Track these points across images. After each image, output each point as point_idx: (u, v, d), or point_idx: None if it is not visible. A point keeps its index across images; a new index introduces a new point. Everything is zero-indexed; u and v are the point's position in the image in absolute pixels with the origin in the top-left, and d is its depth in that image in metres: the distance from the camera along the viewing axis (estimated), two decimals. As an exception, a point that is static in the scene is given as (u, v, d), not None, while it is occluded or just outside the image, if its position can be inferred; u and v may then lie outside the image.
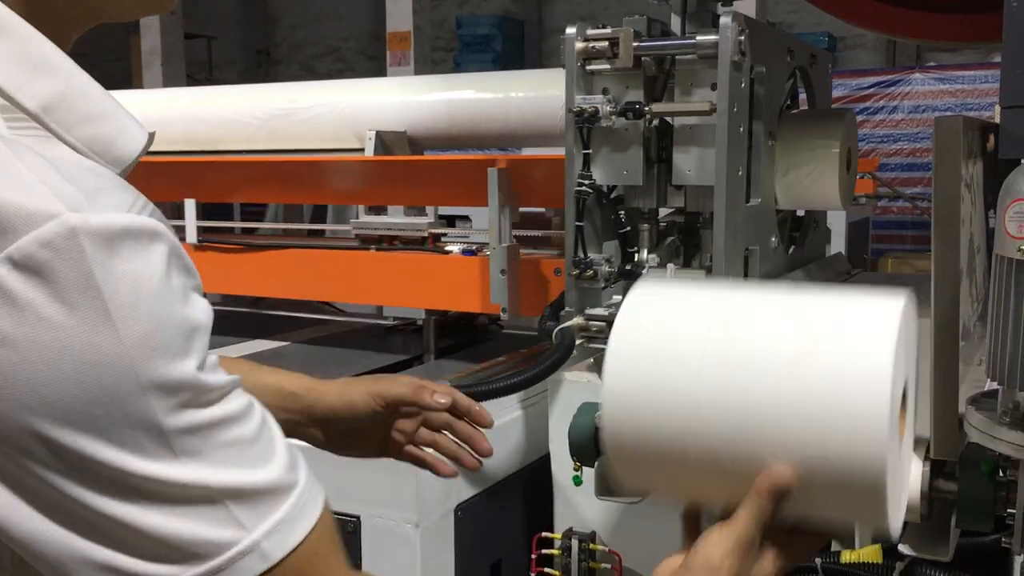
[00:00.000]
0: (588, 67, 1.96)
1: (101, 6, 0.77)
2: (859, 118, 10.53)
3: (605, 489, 1.40)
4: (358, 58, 15.10)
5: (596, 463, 1.38)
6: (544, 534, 2.14)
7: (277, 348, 3.23)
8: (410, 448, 1.39)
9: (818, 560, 1.85)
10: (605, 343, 2.03)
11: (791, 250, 2.36)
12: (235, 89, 3.74)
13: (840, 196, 2.19)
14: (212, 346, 0.71)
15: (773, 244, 2.16)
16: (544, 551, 2.12)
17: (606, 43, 1.92)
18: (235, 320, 3.73)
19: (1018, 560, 1.15)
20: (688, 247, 2.13)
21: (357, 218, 3.29)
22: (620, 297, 2.15)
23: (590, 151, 1.97)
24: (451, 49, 13.45)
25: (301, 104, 3.36)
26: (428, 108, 3.23)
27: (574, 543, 2.11)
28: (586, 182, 1.97)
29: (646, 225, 2.04)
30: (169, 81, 12.92)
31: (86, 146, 0.70)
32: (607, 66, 1.94)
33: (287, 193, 3.56)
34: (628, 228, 2.03)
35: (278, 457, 0.73)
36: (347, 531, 2.05)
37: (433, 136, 3.27)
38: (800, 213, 2.44)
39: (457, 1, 14.04)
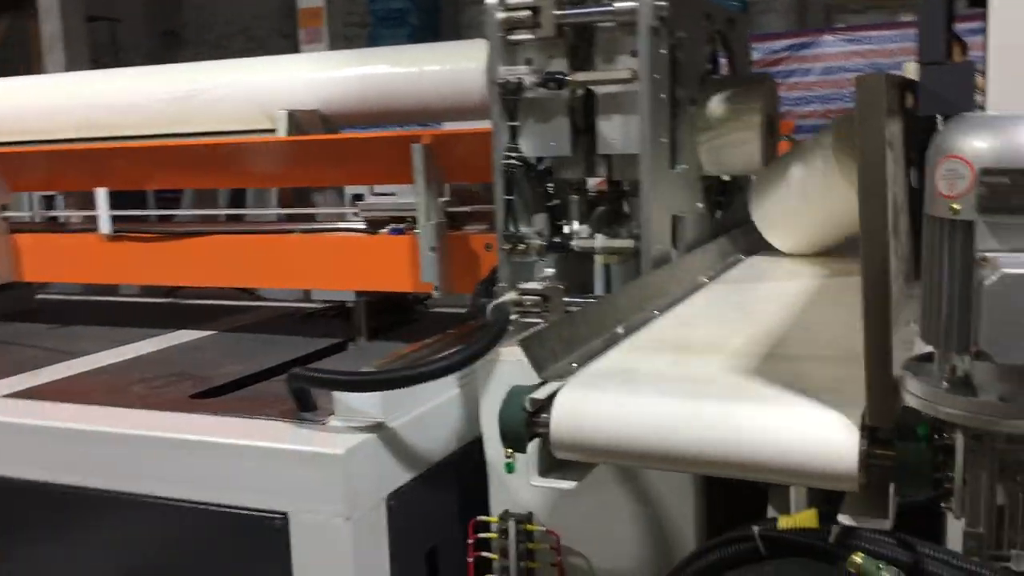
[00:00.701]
0: (510, 37, 1.94)
1: None
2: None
3: (542, 473, 1.36)
4: (271, 36, 14.73)
5: (529, 448, 1.33)
6: (480, 518, 2.10)
7: (201, 338, 3.11)
8: None
9: (755, 527, 1.84)
10: (540, 318, 2.01)
11: (717, 215, 2.34)
12: (136, 71, 3.58)
13: (762, 160, 2.19)
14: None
15: (700, 210, 2.14)
16: (481, 535, 2.08)
17: (528, 12, 1.90)
18: (155, 311, 3.58)
19: (954, 528, 1.14)
20: (618, 216, 2.10)
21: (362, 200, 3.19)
22: (552, 270, 2.14)
23: (517, 123, 1.95)
24: (365, 25, 13.19)
25: (206, 84, 3.23)
26: (341, 85, 3.14)
27: (511, 525, 2.07)
28: (514, 155, 1.95)
29: (575, 196, 2.04)
30: (72, 66, 12.43)
31: None
32: (530, 36, 1.92)
33: (201, 178, 3.42)
34: (557, 200, 2.01)
35: None
36: (274, 528, 1.97)
37: (347, 113, 3.18)
38: (726, 178, 2.43)
39: (370, -25, 13.77)
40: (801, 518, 1.85)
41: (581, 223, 2.05)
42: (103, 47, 14.25)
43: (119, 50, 14.66)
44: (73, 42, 12.77)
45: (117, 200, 3.42)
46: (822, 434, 1.18)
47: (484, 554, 2.08)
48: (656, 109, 1.88)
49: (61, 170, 3.29)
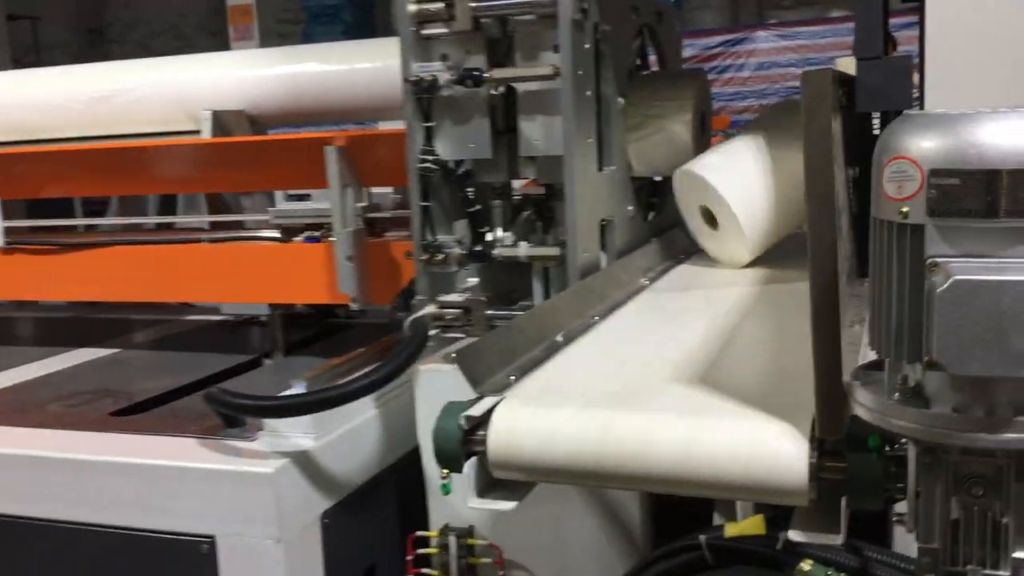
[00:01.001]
0: (424, 31, 1.85)
1: None
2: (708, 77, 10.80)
3: (480, 493, 1.29)
4: (199, 34, 14.48)
5: (466, 467, 1.26)
6: (419, 533, 2.02)
7: (112, 356, 2.93)
8: None
9: (702, 536, 1.80)
10: (462, 332, 1.93)
11: (650, 217, 2.29)
12: (53, 70, 3.42)
13: (693, 156, 2.13)
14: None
15: (630, 213, 2.09)
16: (421, 551, 2.01)
17: (442, 4, 1.81)
18: (61, 327, 3.39)
19: (901, 530, 1.09)
20: (544, 221, 2.03)
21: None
22: (475, 280, 2.04)
23: (432, 124, 1.86)
24: (299, 22, 12.99)
25: (127, 84, 3.09)
26: (270, 83, 3.03)
27: (451, 540, 2.00)
28: (429, 158, 1.86)
29: (498, 201, 1.95)
30: (-9, 66, 12.06)
31: None
32: (444, 30, 1.83)
33: (111, 184, 3.25)
34: (479, 206, 1.94)
35: None
36: (200, 553, 1.87)
37: (276, 114, 3.07)
38: (658, 179, 2.37)
39: (301, -30, 13.57)
40: (748, 525, 1.82)
41: (505, 230, 1.96)
42: (24, 46, 13.84)
43: (41, 49, 14.25)
44: (-8, 41, 12.38)
45: (39, 210, 3.25)
46: (770, 447, 1.13)
47: (424, 571, 2.01)
48: (580, 107, 1.81)
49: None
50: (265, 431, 1.96)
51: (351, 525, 2.05)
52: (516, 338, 1.47)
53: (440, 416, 1.26)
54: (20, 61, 13.02)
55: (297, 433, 1.93)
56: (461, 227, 1.94)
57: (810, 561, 1.67)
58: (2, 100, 3.21)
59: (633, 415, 1.22)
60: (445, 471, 1.28)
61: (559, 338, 1.58)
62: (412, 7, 1.84)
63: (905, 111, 1.02)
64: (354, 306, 2.36)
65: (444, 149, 1.90)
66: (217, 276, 2.70)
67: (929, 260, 0.92)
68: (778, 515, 1.70)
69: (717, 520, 1.89)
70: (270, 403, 1.87)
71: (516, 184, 2.10)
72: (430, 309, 1.90)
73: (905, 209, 0.94)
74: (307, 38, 12.21)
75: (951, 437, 0.94)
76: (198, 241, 2.83)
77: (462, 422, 1.23)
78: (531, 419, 1.25)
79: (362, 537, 2.09)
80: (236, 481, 1.86)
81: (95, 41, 15.31)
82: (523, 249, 1.93)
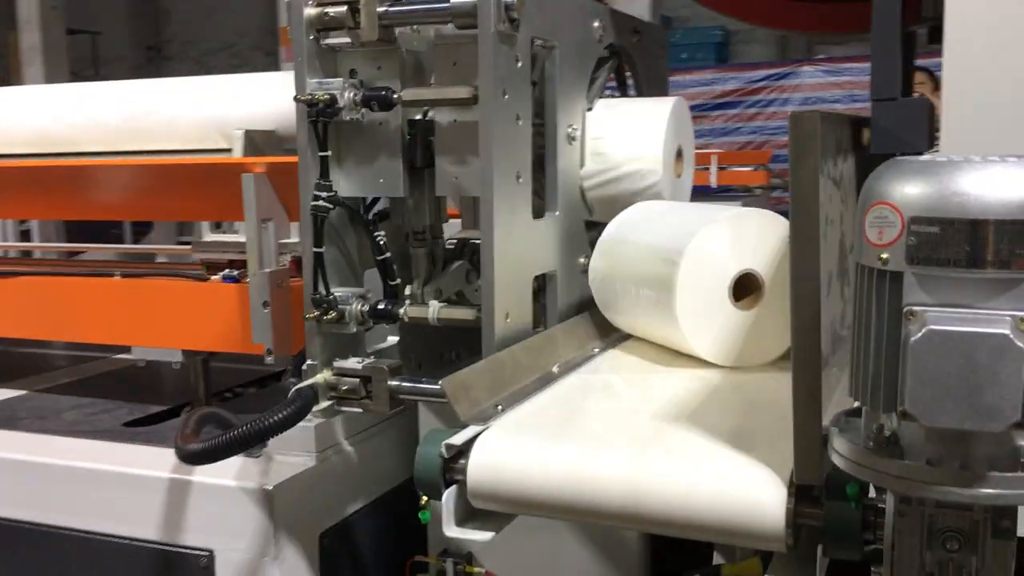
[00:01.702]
0: (326, 42, 1.56)
1: None
2: (752, 110, 10.72)
3: (459, 523, 1.28)
4: (254, 53, 14.75)
5: (445, 496, 1.25)
6: (418, 558, 2.02)
7: (14, 398, 2.56)
8: None
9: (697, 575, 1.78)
10: (360, 406, 1.58)
11: None
12: (92, 86, 3.48)
13: (667, 199, 1.80)
14: None
15: (582, 265, 1.80)
16: (418, 576, 2.00)
17: (344, 8, 1.51)
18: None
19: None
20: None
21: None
22: (394, 339, 1.73)
23: (328, 153, 1.58)
24: (350, 44, 13.18)
25: (163, 102, 3.14)
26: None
27: (449, 566, 1.99)
28: (323, 194, 1.57)
29: (421, 249, 1.67)
30: (51, 78, 12.38)
31: None
32: (347, 40, 1.53)
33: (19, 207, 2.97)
34: (388, 254, 1.64)
35: None
36: (200, 566, 1.88)
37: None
38: None
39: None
40: (745, 566, 1.79)
41: (427, 282, 1.66)
42: (83, 60, 14.20)
43: (101, 64, 14.60)
44: (53, 55, 12.72)
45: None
46: (749, 491, 1.12)
47: (421, 596, 2.00)
48: (507, 140, 1.49)
49: None
50: (269, 448, 1.97)
51: (349, 546, 2.05)
52: (507, 368, 1.46)
53: (422, 443, 1.26)
54: (78, 74, 13.37)
55: (301, 450, 1.94)
56: (371, 279, 1.67)
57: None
58: (44, 113, 3.28)
59: (615, 453, 1.21)
60: (424, 500, 1.28)
61: (555, 369, 1.57)
62: (310, 11, 1.53)
63: (894, 157, 1.01)
64: (268, 360, 1.91)
65: (347, 185, 1.61)
66: (127, 316, 2.33)
67: (906, 308, 0.91)
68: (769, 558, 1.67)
69: (717, 559, 1.87)
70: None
71: (455, 228, 1.79)
72: (324, 376, 1.63)
73: (885, 255, 0.93)
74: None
75: (923, 489, 0.92)
76: (110, 275, 2.45)
77: (443, 450, 1.23)
78: (512, 451, 1.24)
79: (360, 559, 2.09)
80: (235, 497, 1.87)
81: (153, 58, 15.66)
82: (432, 309, 1.62)
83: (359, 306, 1.63)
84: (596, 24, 1.84)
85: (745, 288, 1.61)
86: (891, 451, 0.95)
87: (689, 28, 11.02)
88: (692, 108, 2.08)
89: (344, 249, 1.67)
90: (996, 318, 0.87)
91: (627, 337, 1.81)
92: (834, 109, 9.49)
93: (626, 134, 1.80)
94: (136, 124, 3.21)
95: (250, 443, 1.56)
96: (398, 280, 1.66)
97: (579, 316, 1.81)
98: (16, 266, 3.08)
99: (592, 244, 1.82)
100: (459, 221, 1.94)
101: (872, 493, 1.09)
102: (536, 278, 1.71)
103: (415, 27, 1.61)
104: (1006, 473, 0.90)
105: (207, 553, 1.90)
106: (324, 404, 1.64)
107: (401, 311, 1.63)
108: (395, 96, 1.53)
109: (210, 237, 2.52)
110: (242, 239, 2.22)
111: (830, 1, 3.02)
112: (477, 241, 1.63)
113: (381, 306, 1.64)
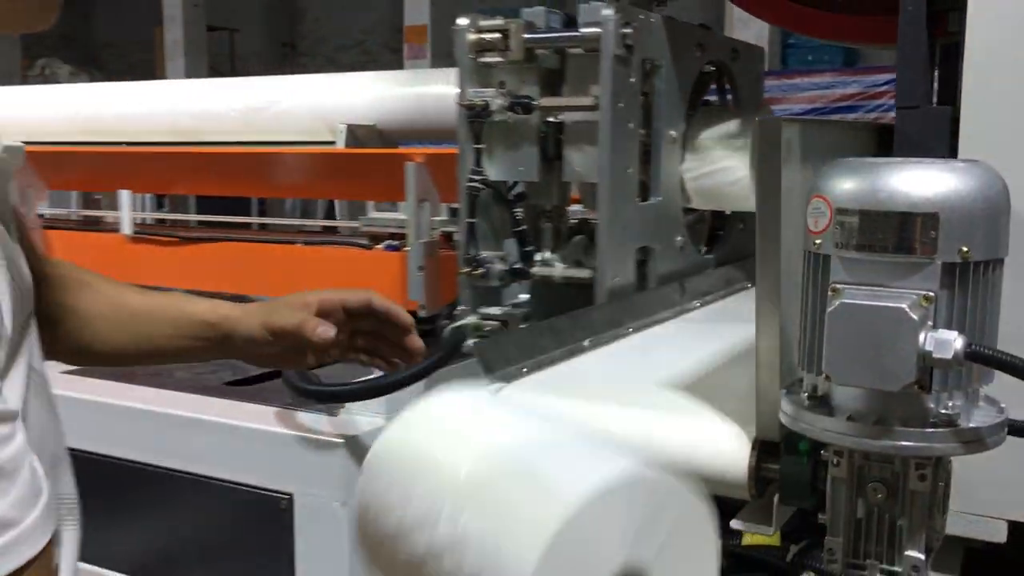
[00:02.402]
0: (482, 60, 1.96)
1: None
2: (873, 115, 10.38)
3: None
4: (382, 51, 15.20)
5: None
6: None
7: None
8: (348, 355, 1.47)
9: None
10: None
11: (708, 249, 2.36)
12: (215, 82, 3.89)
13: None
14: None
15: (679, 243, 2.16)
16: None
17: (498, 35, 1.91)
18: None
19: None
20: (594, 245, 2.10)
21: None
22: (527, 296, 2.10)
23: (482, 146, 1.98)
24: (471, 43, 13.47)
25: (278, 97, 3.49)
26: (398, 102, 3.36)
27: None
28: (477, 178, 1.98)
29: (548, 223, 2.05)
30: (191, 73, 13.13)
31: None
32: (499, 59, 1.93)
33: (227, 185, 3.67)
34: (524, 227, 2.03)
35: (14, 492, 0.74)
36: (280, 508, 2.15)
37: (402, 130, 3.39)
38: (728, 212, 2.45)
39: (478, -5, 14.09)
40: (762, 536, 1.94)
41: (554, 251, 2.03)
42: (221, 56, 14.96)
43: (236, 59, 15.37)
44: (193, 50, 13.48)
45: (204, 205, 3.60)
46: (718, 445, 1.29)
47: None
48: (619, 138, 1.87)
49: (91, 171, 3.54)
50: (345, 409, 2.23)
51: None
52: (541, 337, 1.65)
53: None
54: (217, 69, 14.11)
55: (370, 412, 2.18)
56: (510, 246, 2.02)
57: (812, 573, 1.78)
58: (172, 106, 3.67)
59: (608, 407, 1.40)
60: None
61: (586, 343, 1.75)
62: (471, 36, 1.95)
63: (840, 158, 1.16)
64: (422, 313, 2.45)
65: (495, 170, 2.00)
66: (304, 276, 2.91)
67: (831, 286, 1.07)
68: (793, 530, 1.81)
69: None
70: (320, 388, 2.05)
71: (577, 208, 2.17)
72: (471, 320, 1.99)
73: (819, 241, 1.09)
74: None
75: (843, 440, 1.08)
76: (292, 243, 3.14)
77: (465, 399, 1.44)
78: (521, 405, 1.43)
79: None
80: (314, 448, 2.13)
81: (287, 54, 16.34)
82: (558, 270, 2.01)
83: (500, 266, 2.02)
84: (697, 47, 2.21)
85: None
86: (823, 409, 1.12)
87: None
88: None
89: (490, 221, 2.05)
90: (900, 295, 1.02)
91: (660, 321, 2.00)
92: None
93: (720, 138, 2.16)
94: (254, 117, 3.56)
95: (419, 377, 1.83)
96: (531, 247, 2.05)
97: (618, 301, 2.01)
98: (211, 231, 3.68)
99: (688, 227, 2.21)
100: (579, 207, 2.32)
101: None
102: (638, 250, 2.05)
103: (552, 50, 2.01)
104: (912, 428, 1.05)
105: (287, 496, 2.16)
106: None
107: (533, 270, 2.02)
108: (534, 103, 1.94)
109: (374, 215, 3.21)
110: (400, 216, 2.92)
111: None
112: (594, 220, 2.01)
113: (517, 266, 2.03)
